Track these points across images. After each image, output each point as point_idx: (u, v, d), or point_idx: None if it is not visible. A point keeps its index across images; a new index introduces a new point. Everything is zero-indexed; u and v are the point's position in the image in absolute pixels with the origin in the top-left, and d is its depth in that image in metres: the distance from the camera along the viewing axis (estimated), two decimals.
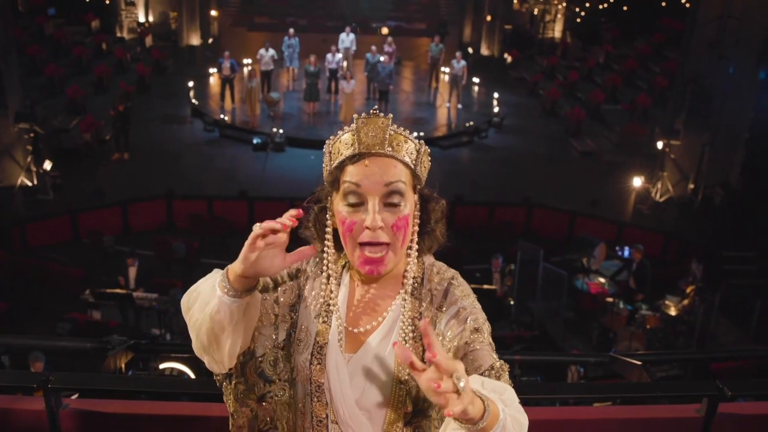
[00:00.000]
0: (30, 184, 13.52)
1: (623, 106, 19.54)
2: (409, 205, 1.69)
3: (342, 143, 1.68)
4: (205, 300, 1.70)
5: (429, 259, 1.82)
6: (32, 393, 2.80)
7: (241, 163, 15.84)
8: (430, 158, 1.76)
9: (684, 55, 15.28)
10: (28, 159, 13.51)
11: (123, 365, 3.19)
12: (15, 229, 12.14)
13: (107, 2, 23.75)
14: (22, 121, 13.31)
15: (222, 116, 17.74)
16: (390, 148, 1.66)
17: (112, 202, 13.24)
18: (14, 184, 13.39)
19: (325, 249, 1.79)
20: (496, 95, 19.59)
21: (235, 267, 1.63)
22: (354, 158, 1.66)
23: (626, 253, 11.51)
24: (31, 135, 13.45)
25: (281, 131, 16.42)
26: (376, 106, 1.72)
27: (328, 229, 1.77)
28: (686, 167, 14.65)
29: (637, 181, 14.42)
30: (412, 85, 21.79)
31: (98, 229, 11.99)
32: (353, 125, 1.67)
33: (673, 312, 10.29)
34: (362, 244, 1.67)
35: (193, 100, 18.47)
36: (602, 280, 11.06)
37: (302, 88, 18.33)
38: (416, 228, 1.75)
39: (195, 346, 1.76)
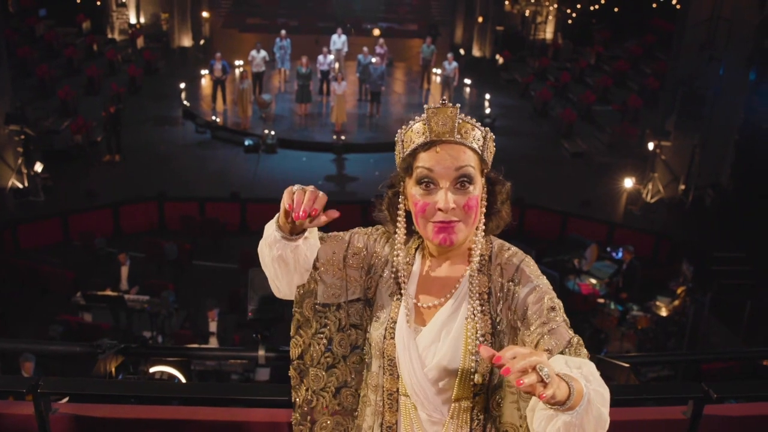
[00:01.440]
0: (21, 186, 13.48)
1: (614, 107, 19.59)
2: (478, 187, 1.80)
3: (413, 132, 1.79)
4: (267, 230, 1.88)
5: (497, 240, 1.92)
6: (23, 397, 2.80)
7: (233, 164, 15.83)
8: (494, 144, 1.87)
9: (675, 57, 15.34)
10: (19, 161, 13.47)
11: (113, 369, 3.19)
12: (6, 231, 12.10)
13: (98, 3, 23.67)
14: (13, 123, 13.26)
15: (213, 118, 17.73)
16: (459, 135, 1.76)
17: (103, 203, 13.22)
18: (5, 186, 13.34)
19: (397, 230, 1.90)
20: (487, 96, 19.62)
21: (280, 211, 1.78)
22: (426, 145, 1.77)
23: (619, 254, 11.55)
24: (22, 137, 13.40)
25: (273, 133, 16.41)
26: (445, 97, 1.83)
27: (401, 212, 1.89)
28: (677, 168, 14.71)
29: (628, 182, 14.47)
30: (403, 87, 21.82)
31: (89, 231, 11.96)
32: (423, 115, 1.78)
33: (663, 313, 10.32)
34: (434, 223, 1.78)
35: (185, 102, 18.45)
36: (593, 281, 11.09)
37: (294, 89, 18.35)
38: (483, 209, 1.85)
39: (263, 267, 1.96)
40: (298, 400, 2.06)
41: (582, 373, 1.52)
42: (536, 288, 1.80)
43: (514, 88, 21.98)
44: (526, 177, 15.63)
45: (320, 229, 1.86)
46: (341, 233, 1.98)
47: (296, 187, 1.69)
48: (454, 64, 18.64)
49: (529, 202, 13.94)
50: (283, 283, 1.93)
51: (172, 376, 4.93)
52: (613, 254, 11.68)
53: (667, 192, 14.77)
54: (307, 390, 2.04)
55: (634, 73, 22.37)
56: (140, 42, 22.81)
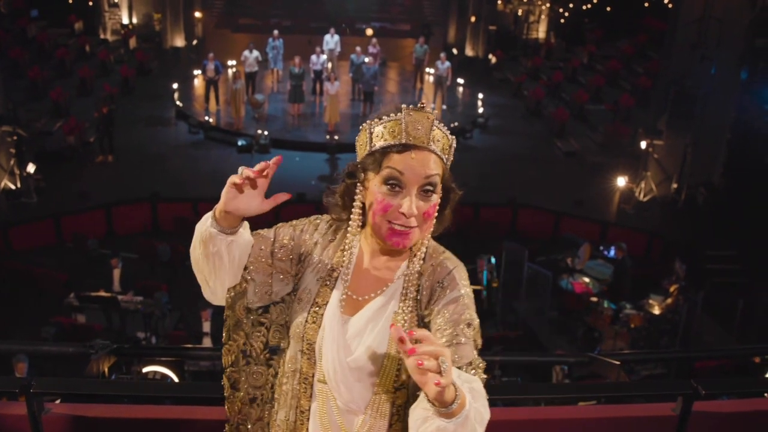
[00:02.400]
0: (13, 187, 13.44)
1: (607, 106, 19.63)
2: (438, 194, 1.80)
3: (386, 129, 1.78)
4: (200, 228, 1.88)
5: (431, 240, 1.92)
6: (16, 398, 2.80)
7: (226, 165, 15.77)
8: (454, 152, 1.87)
9: (667, 56, 15.39)
10: (12, 162, 13.42)
11: (106, 369, 3.19)
12: None
13: (90, 4, 23.61)
14: (5, 124, 13.22)
15: (206, 118, 17.71)
16: (432, 144, 1.76)
17: (96, 205, 13.18)
18: None
19: (351, 221, 1.89)
20: (480, 96, 19.65)
21: (219, 203, 1.78)
22: (400, 147, 1.75)
23: (611, 252, 11.58)
24: (14, 138, 13.36)
25: (266, 133, 16.40)
26: (424, 100, 1.81)
27: (357, 203, 1.87)
28: (669, 167, 14.75)
29: (621, 181, 14.52)
30: (396, 86, 21.82)
31: (82, 232, 11.94)
32: (399, 115, 1.76)
33: (656, 311, 10.36)
34: (392, 224, 1.77)
35: (178, 102, 18.42)
36: (587, 279, 11.12)
37: (287, 89, 18.32)
38: (436, 214, 1.84)
39: (194, 270, 1.94)
40: (230, 413, 2.03)
41: (470, 388, 1.56)
42: (461, 297, 1.81)
43: (506, 88, 22.01)
44: (519, 176, 15.69)
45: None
46: (265, 230, 1.97)
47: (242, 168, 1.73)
48: (447, 63, 18.65)
49: (522, 202, 13.97)
50: (217, 283, 1.91)
51: (165, 376, 4.94)
52: (606, 252, 11.73)
53: (660, 191, 14.82)
54: (244, 394, 2.00)
55: (626, 73, 22.41)
56: (133, 42, 22.77)
